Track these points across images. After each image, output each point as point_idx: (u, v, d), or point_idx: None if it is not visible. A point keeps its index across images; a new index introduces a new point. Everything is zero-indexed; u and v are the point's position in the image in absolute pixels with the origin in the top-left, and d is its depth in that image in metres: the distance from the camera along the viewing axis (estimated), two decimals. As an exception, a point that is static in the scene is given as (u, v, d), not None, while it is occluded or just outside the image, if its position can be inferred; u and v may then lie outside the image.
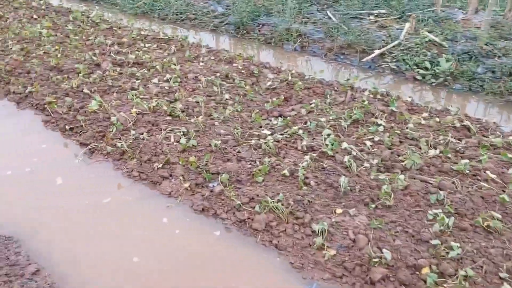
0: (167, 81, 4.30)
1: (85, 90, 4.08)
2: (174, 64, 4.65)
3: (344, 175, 2.86)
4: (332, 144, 3.14)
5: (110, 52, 5.06)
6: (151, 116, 3.65)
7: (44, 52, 4.98)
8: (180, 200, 2.77)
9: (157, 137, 3.31)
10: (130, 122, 3.51)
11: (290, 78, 4.32)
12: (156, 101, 3.81)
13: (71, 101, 3.86)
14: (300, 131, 3.35)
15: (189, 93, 4.10)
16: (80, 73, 4.47)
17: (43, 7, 6.68)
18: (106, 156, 3.22)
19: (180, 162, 3.02)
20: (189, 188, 2.81)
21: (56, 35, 5.54)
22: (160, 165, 3.00)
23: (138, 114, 3.65)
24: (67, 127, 3.56)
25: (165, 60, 4.84)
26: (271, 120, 3.60)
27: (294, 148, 3.24)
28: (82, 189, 2.94)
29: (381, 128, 3.39)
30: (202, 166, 2.97)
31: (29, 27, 5.69)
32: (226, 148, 3.18)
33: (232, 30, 6.26)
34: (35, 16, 6.31)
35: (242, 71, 4.58)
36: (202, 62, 4.83)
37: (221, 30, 6.34)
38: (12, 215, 2.71)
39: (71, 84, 4.22)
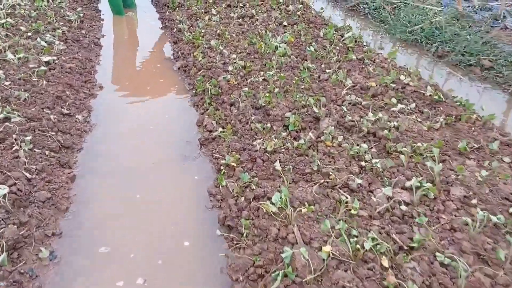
0: (419, 186, 2.38)
1: (277, 167, 2.61)
2: (433, 158, 2.64)
3: None
4: None
5: (342, 102, 3.43)
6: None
7: (263, 80, 3.78)
8: None
9: None
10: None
11: None
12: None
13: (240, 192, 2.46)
14: None
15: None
16: (287, 126, 3.05)
17: (298, 12, 5.59)
18: None
19: None
20: None
21: (290, 56, 4.28)
22: None
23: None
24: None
25: (423, 141, 2.87)
26: None
27: None
28: None
29: None
30: None
31: (268, 37, 4.63)
32: None
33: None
34: (284, 23, 5.26)
35: None
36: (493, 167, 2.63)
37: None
38: None
39: (264, 145, 2.83)
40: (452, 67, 4.61)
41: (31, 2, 5.65)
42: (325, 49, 4.47)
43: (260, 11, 5.64)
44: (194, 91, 3.89)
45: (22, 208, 2.37)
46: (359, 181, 2.43)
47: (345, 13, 6.62)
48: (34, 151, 2.79)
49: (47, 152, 2.83)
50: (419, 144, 2.79)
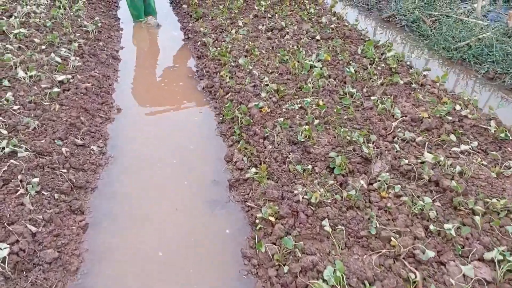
0: (502, 259, 1.94)
1: (326, 227, 2.18)
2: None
3: None
4: None
5: (393, 138, 2.99)
6: None
7: (299, 107, 3.36)
8: None
9: None
10: None
11: None
12: None
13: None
14: None
15: None
16: (331, 168, 2.62)
17: (332, 25, 5.15)
18: None
19: None
20: None
21: (328, 78, 3.85)
22: None
23: None
24: None
25: (494, 193, 2.42)
26: None
27: None
28: None
29: None
30: None
31: (301, 54, 4.20)
32: None
33: None
34: (317, 37, 4.82)
35: None
36: None
37: None
38: None
39: (307, 195, 2.41)
40: (506, 92, 4.12)
41: (48, 9, 5.34)
42: (365, 69, 4.02)
43: (290, 22, 5.21)
44: (221, 117, 3.49)
45: (24, 272, 2.00)
46: (430, 254, 1.98)
47: (379, 24, 6.15)
48: (42, 194, 2.42)
49: (56, 196, 2.45)
50: (494, 200, 2.33)
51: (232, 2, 5.94)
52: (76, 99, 3.40)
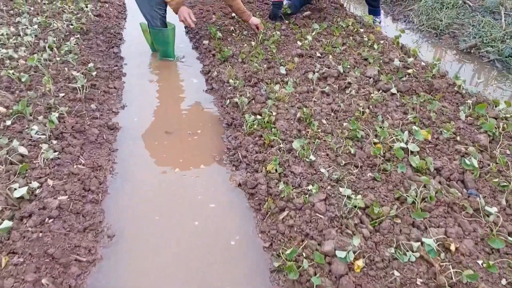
0: None
1: None
2: None
3: None
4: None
5: None
6: None
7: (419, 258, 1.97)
8: None
9: None
10: None
11: None
12: None
13: None
14: None
15: None
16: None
17: (409, 71, 3.73)
18: None
19: None
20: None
21: (437, 174, 2.45)
22: None
23: None
24: None
25: None
26: None
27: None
28: None
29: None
30: None
31: (383, 130, 2.81)
32: None
33: None
34: (393, 90, 3.43)
35: None
36: None
37: None
38: None
39: None
40: None
41: (31, 51, 4.08)
42: (491, 159, 2.61)
43: (348, 65, 3.82)
44: (276, 261, 2.12)
45: None
46: None
47: (457, 56, 4.72)
48: None
49: None
50: None
51: (266, 34, 4.58)
52: (40, 236, 2.07)
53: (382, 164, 2.52)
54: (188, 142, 3.20)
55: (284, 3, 5.26)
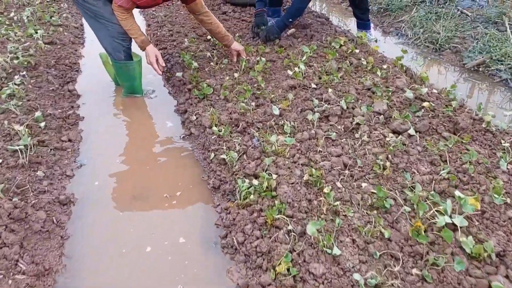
0: None
1: None
2: None
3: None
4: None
5: None
6: None
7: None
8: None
9: None
10: None
11: None
12: None
13: None
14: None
15: None
16: None
17: (425, 104, 3.15)
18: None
19: None
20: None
21: (502, 261, 1.85)
22: None
23: None
24: None
25: None
26: None
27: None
28: None
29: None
30: None
31: (415, 198, 2.21)
32: None
33: None
34: (410, 131, 2.84)
35: None
36: None
37: None
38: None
39: None
40: None
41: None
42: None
43: (351, 100, 3.20)
44: None
45: None
46: None
47: (462, 75, 4.21)
48: None
49: None
50: None
51: (249, 61, 3.92)
52: None
53: (427, 253, 1.90)
54: (165, 213, 2.50)
55: (269, 22, 4.65)
